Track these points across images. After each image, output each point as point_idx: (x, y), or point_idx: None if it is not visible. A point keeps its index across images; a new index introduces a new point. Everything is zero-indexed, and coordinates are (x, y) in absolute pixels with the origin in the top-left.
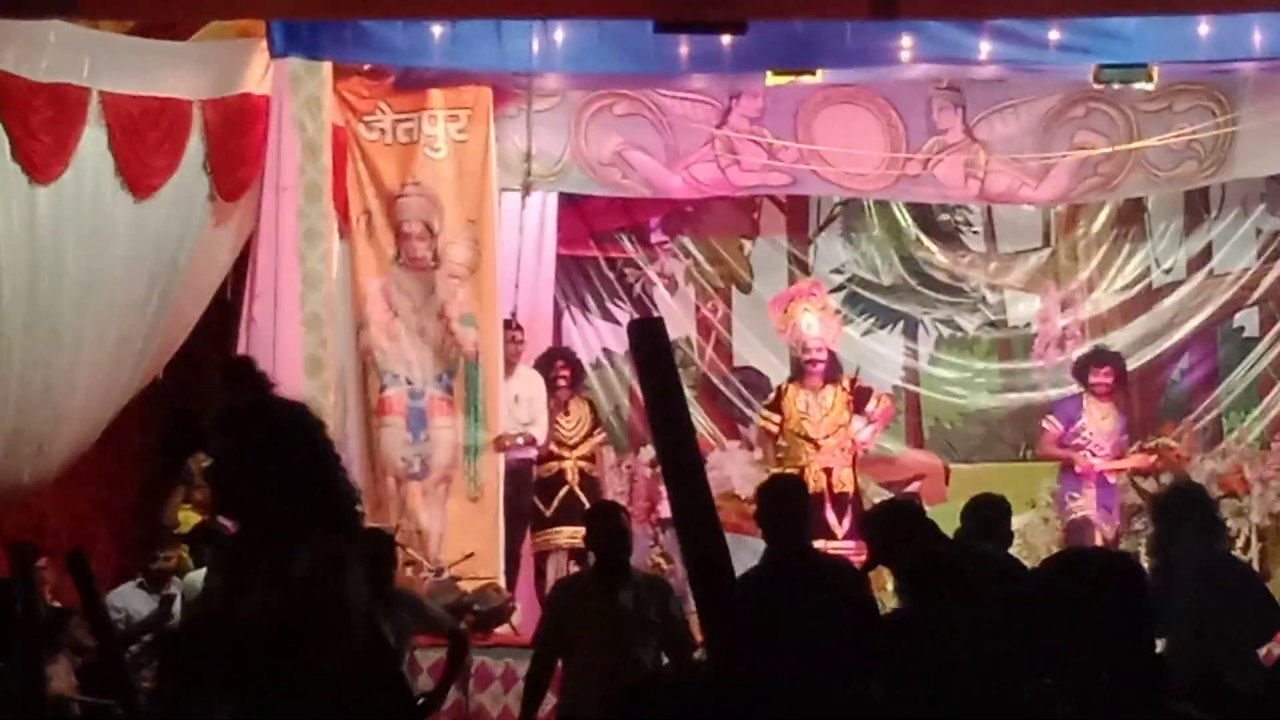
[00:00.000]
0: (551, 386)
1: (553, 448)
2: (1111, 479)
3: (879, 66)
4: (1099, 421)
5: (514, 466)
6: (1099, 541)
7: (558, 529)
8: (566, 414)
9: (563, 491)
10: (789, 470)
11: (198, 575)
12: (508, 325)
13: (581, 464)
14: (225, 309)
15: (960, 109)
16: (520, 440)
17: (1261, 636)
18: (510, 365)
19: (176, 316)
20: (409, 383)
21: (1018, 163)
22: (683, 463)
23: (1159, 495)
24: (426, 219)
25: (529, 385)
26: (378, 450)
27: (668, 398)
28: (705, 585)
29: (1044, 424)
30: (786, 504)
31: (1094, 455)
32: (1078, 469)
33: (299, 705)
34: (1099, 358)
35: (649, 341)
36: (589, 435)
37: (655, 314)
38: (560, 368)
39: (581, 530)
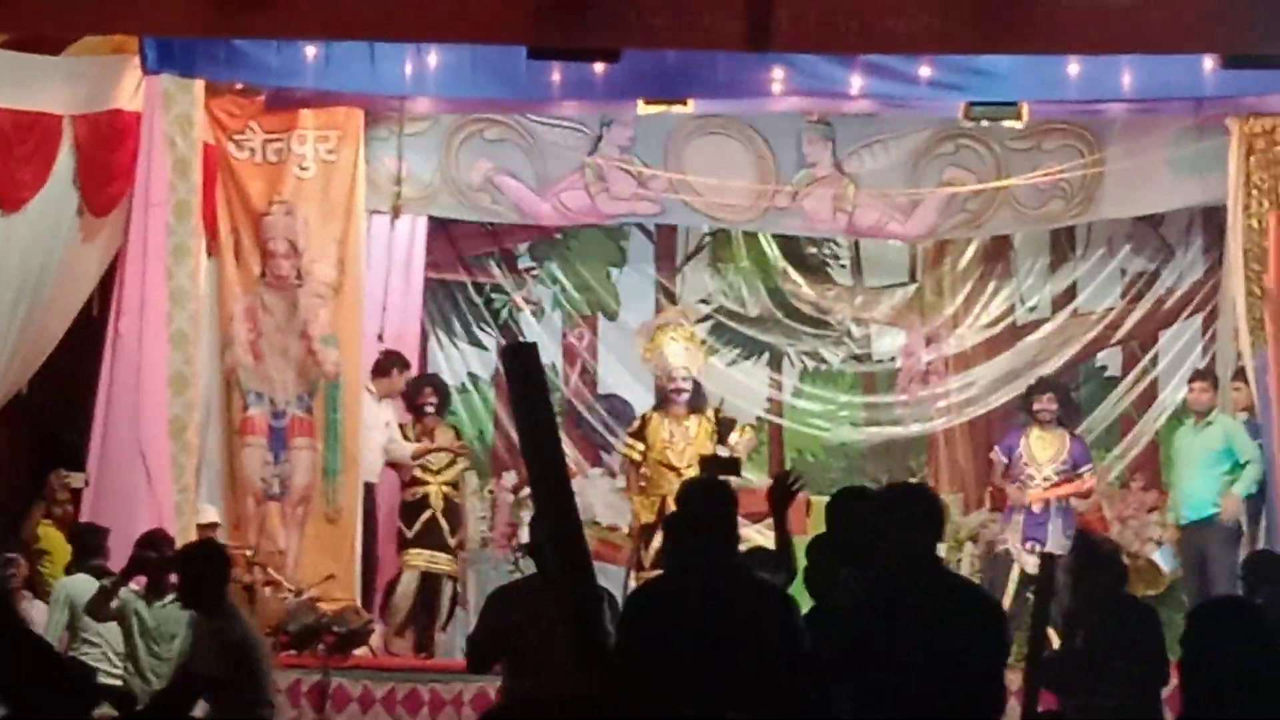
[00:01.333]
0: (419, 412)
1: (417, 473)
2: (1036, 509)
3: (750, 98)
4: (1041, 450)
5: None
6: (1015, 574)
7: (417, 550)
8: (431, 440)
9: (425, 515)
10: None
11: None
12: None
13: (445, 489)
14: (91, 324)
15: (830, 142)
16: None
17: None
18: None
19: (41, 330)
20: (271, 402)
21: (886, 197)
22: (552, 485)
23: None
24: (292, 237)
25: (396, 412)
26: (239, 470)
27: (539, 421)
28: (572, 605)
29: (990, 457)
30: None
31: (1029, 486)
32: (1006, 501)
33: None
34: (1041, 385)
35: (521, 365)
36: (453, 461)
37: (523, 339)
38: (429, 394)
39: (440, 555)
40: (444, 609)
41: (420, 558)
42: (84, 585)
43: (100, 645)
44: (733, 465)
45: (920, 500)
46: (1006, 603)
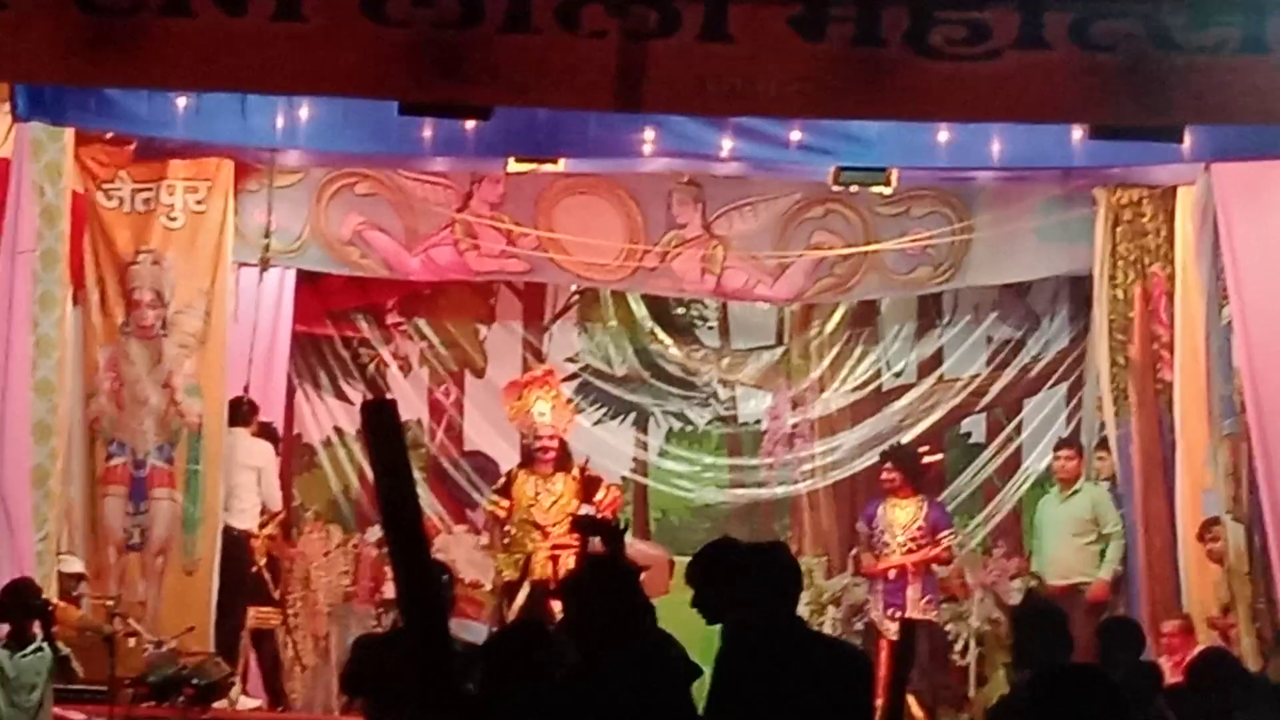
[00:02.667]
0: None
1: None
2: (892, 575)
3: (621, 158)
4: (896, 517)
5: (233, 535)
6: (884, 642)
7: (245, 609)
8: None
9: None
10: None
11: None
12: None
13: (267, 543)
14: None
15: (700, 204)
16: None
17: None
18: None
19: None
20: (133, 452)
21: (755, 260)
22: (407, 543)
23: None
24: (157, 287)
25: (264, 456)
26: (100, 520)
27: (396, 478)
28: (427, 663)
29: (856, 528)
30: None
31: (885, 554)
32: (864, 570)
33: None
34: (882, 456)
35: (380, 422)
36: (273, 516)
37: (389, 395)
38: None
39: (264, 609)
40: (284, 659)
41: (248, 615)
42: None
43: None
44: (606, 527)
45: (779, 560)
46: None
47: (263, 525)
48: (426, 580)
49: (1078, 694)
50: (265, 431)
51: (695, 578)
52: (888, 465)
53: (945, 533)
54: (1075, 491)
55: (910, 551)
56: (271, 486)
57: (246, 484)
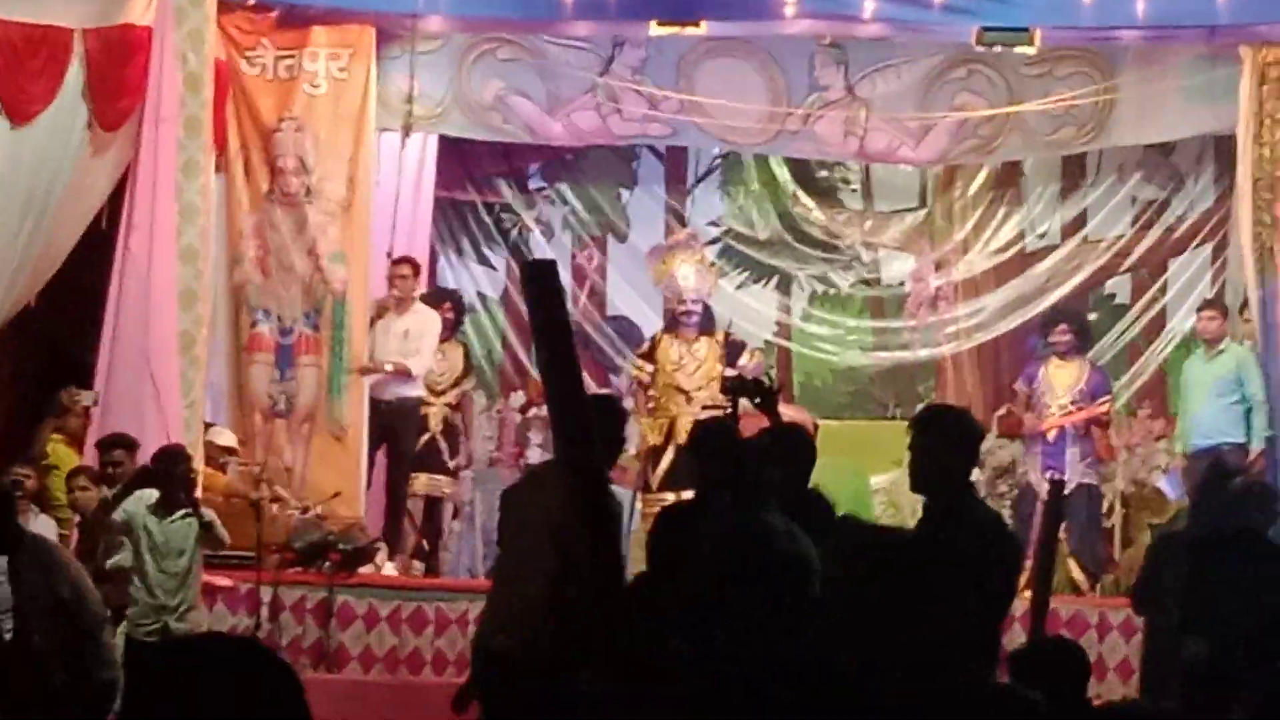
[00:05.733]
0: None
1: (420, 392)
2: (1051, 437)
3: (763, 20)
4: (1059, 378)
5: (398, 405)
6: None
7: (416, 475)
8: (442, 357)
9: (425, 438)
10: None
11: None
12: (402, 262)
13: (446, 410)
14: (101, 239)
15: (842, 66)
16: (388, 368)
17: None
18: (404, 301)
19: (50, 245)
20: (279, 319)
21: (897, 122)
22: (569, 401)
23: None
24: (301, 154)
25: (422, 321)
26: (246, 386)
27: (558, 337)
28: (589, 517)
29: (1015, 387)
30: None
31: (1046, 415)
32: (1025, 432)
33: None
34: (1056, 316)
35: (542, 282)
36: (458, 382)
37: (537, 258)
38: (445, 309)
39: (439, 478)
40: (446, 530)
41: (418, 481)
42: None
43: None
44: (757, 388)
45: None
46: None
47: (441, 392)
48: (588, 438)
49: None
50: (433, 297)
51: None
52: (1062, 326)
53: (1105, 397)
54: (1220, 352)
55: (1071, 414)
56: (427, 352)
57: (410, 352)
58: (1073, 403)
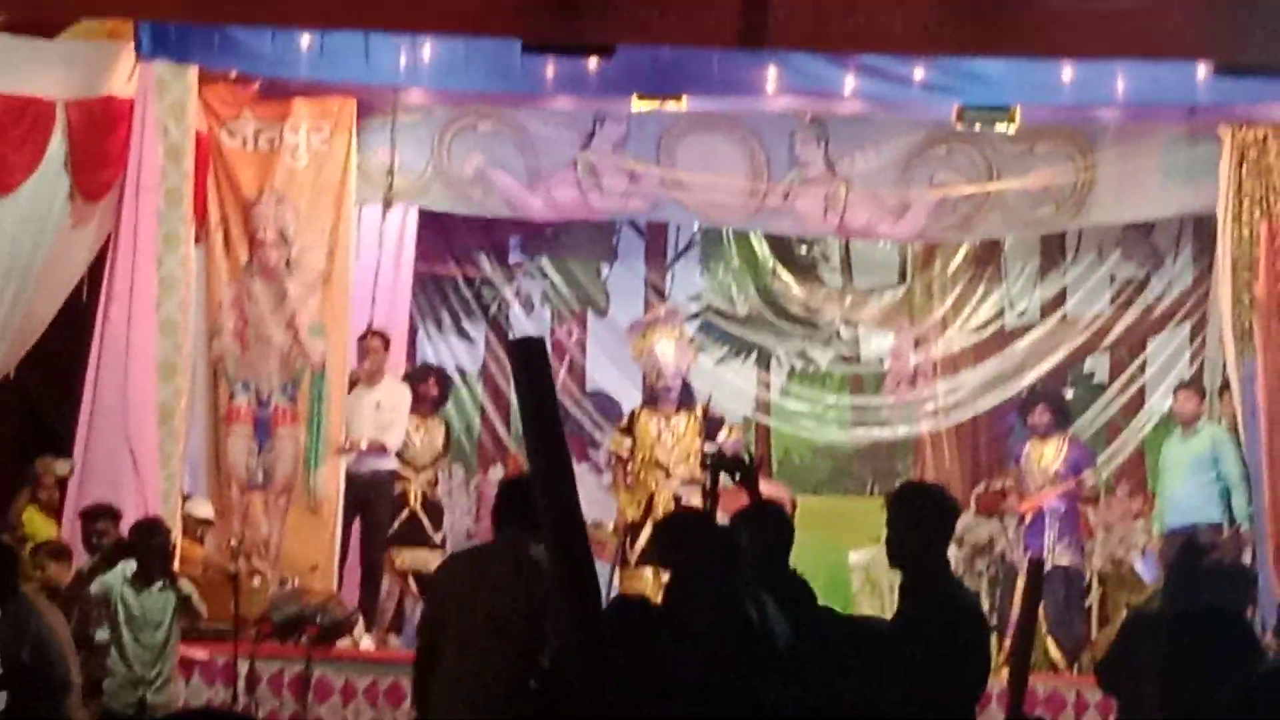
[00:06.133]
0: (419, 401)
1: (398, 468)
2: (1028, 517)
3: (744, 96)
4: (1041, 458)
5: (372, 478)
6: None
7: (398, 550)
8: (425, 434)
9: (404, 513)
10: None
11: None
12: (373, 335)
13: (424, 487)
14: (80, 309)
15: (823, 142)
16: (364, 446)
17: None
18: (375, 374)
19: (30, 315)
20: (257, 391)
21: (877, 199)
22: (557, 482)
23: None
24: (281, 226)
25: (393, 394)
26: (224, 458)
27: (545, 416)
28: (573, 597)
29: (1009, 469)
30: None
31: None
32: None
33: None
34: (1034, 398)
35: (529, 359)
36: (437, 458)
37: (511, 334)
38: (430, 385)
39: (417, 553)
40: None
41: (400, 557)
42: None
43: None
44: (737, 464)
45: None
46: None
47: (421, 468)
48: (573, 519)
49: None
50: (418, 373)
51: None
52: (1040, 407)
53: (1088, 470)
54: (1196, 432)
55: (1045, 491)
56: (399, 426)
57: (384, 424)
58: (1051, 480)
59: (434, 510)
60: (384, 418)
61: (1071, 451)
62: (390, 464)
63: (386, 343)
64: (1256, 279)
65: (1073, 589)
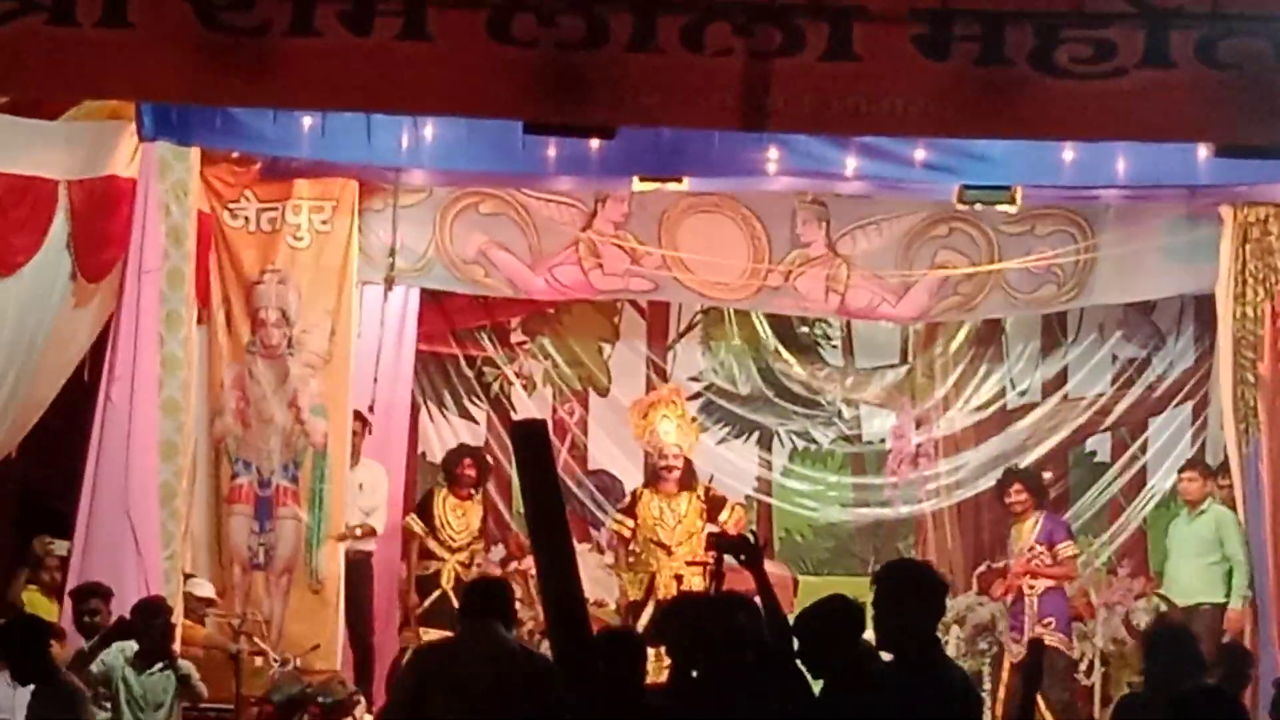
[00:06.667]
0: (456, 483)
1: (434, 547)
2: (1009, 597)
3: (745, 176)
4: (1020, 536)
5: (353, 559)
6: (1006, 664)
7: (425, 630)
8: (461, 515)
9: (436, 593)
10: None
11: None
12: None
13: (458, 568)
14: (82, 389)
15: (824, 222)
16: (359, 532)
17: None
18: (354, 455)
19: (31, 395)
20: (259, 471)
21: (879, 279)
22: (556, 561)
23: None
24: (283, 306)
25: (373, 475)
26: (226, 538)
27: (547, 498)
28: (574, 675)
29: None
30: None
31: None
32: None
33: None
34: (1008, 478)
35: (531, 442)
36: (473, 540)
37: (514, 414)
38: (467, 466)
39: (449, 634)
40: None
41: (428, 635)
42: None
43: None
44: (742, 545)
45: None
46: (1002, 691)
47: (456, 549)
48: (575, 598)
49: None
50: (455, 454)
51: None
52: (1016, 486)
53: (1063, 544)
54: (1201, 512)
55: (1027, 568)
56: (381, 507)
57: (367, 507)
58: (1028, 556)
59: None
60: (366, 500)
61: (1045, 524)
62: (370, 545)
63: (365, 423)
64: (1261, 359)
65: (1059, 668)
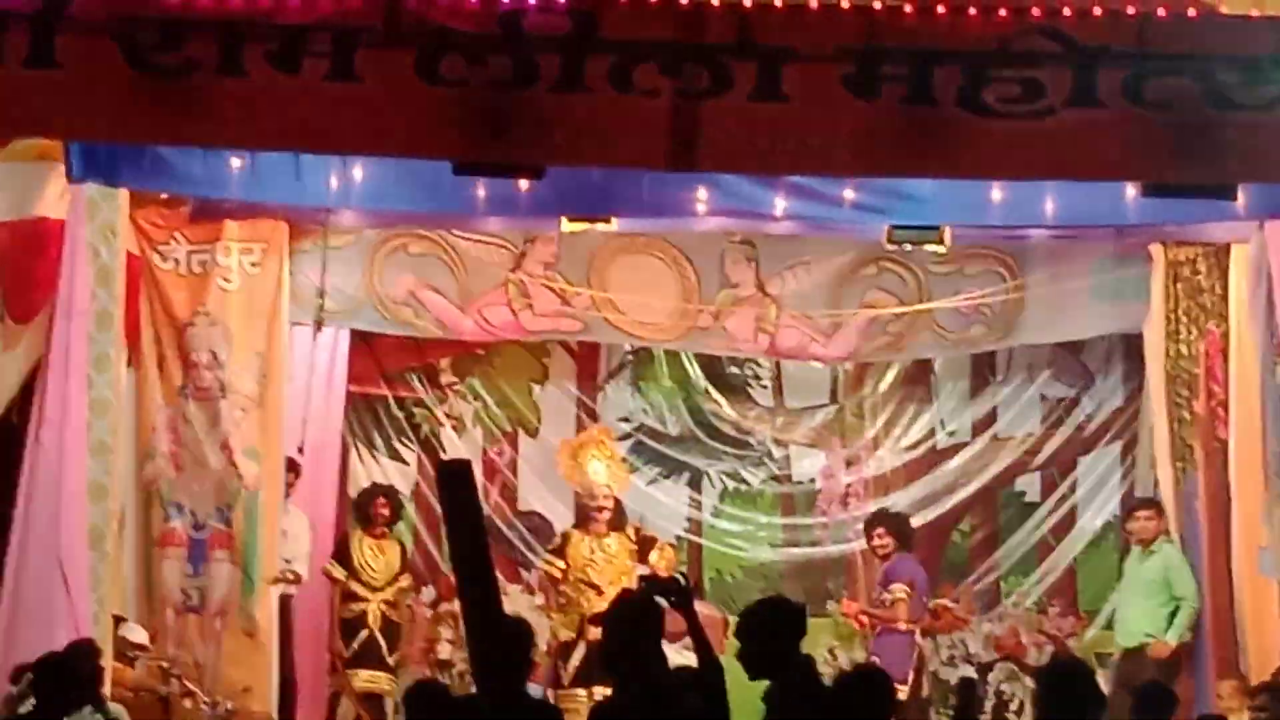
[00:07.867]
0: (371, 523)
1: (357, 588)
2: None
3: (674, 217)
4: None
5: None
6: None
7: (355, 672)
8: (379, 554)
9: (363, 634)
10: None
11: None
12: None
13: (384, 607)
14: (10, 432)
15: (753, 263)
16: (288, 577)
17: None
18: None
19: None
20: (192, 515)
21: (808, 319)
22: (483, 602)
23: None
24: (214, 348)
25: (297, 523)
26: (157, 582)
27: (473, 539)
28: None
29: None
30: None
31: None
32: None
33: None
34: (874, 521)
35: (457, 482)
36: (395, 579)
37: (443, 455)
38: (380, 505)
39: (379, 674)
40: None
41: (359, 678)
42: None
43: None
44: (673, 586)
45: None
46: None
47: (379, 589)
48: (500, 639)
49: None
50: (368, 494)
51: (746, 633)
52: (879, 530)
53: (894, 585)
54: (1152, 553)
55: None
56: (304, 553)
57: (292, 555)
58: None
59: (392, 632)
60: (289, 547)
61: (890, 567)
62: (291, 589)
63: (293, 467)
64: (1196, 397)
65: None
